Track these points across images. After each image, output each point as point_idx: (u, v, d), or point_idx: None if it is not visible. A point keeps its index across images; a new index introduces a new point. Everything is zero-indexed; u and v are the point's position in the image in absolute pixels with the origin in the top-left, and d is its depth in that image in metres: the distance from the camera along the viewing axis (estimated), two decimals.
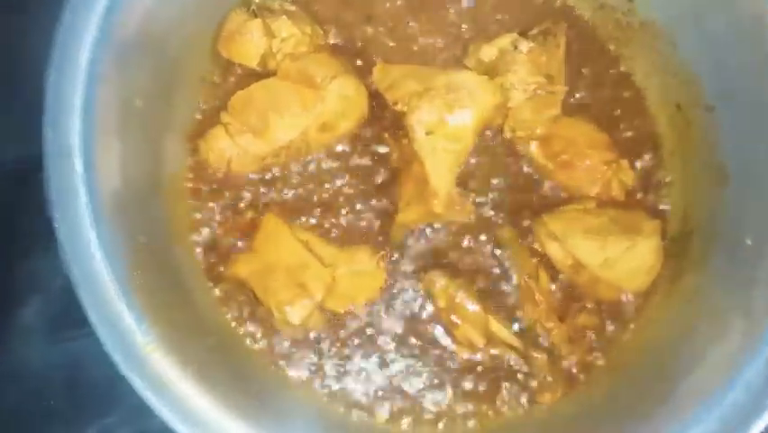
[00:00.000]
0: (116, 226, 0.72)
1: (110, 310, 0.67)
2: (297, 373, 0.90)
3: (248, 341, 0.89)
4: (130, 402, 0.82)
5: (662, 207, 0.97)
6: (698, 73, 0.92)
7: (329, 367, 0.91)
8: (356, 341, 0.92)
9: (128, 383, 0.69)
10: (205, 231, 0.93)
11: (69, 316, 1.00)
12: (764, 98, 0.83)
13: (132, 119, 0.80)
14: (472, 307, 0.90)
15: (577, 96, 0.99)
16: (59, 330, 1.07)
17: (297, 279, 0.88)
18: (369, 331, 0.92)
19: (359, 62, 0.99)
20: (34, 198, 1.04)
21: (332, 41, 0.99)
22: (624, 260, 0.90)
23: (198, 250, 0.92)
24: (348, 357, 0.91)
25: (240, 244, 0.93)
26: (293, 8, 0.95)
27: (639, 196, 0.97)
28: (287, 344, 0.90)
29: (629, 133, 0.99)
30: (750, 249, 0.79)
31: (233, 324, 0.89)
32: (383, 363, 0.92)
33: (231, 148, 0.92)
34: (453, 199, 0.91)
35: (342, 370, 0.91)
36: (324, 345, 0.91)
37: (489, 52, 0.95)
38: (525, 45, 0.93)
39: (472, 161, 0.96)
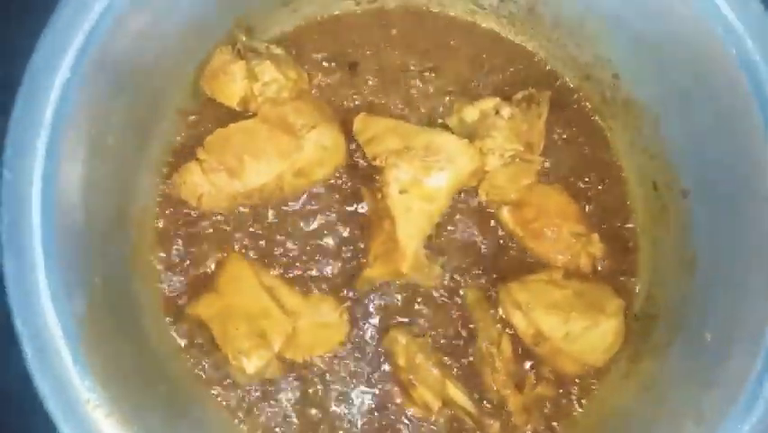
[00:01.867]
0: (70, 271, 0.70)
1: (55, 365, 0.65)
2: (248, 422, 0.89)
3: (202, 387, 0.88)
4: None
5: (628, 284, 0.97)
6: (677, 157, 0.92)
7: (282, 419, 0.90)
8: (313, 393, 0.91)
9: None
10: (169, 268, 0.91)
11: None
12: (739, 192, 0.83)
13: (102, 156, 0.79)
14: (431, 369, 0.90)
15: (554, 162, 0.99)
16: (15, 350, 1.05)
17: (257, 327, 0.87)
18: (327, 383, 0.91)
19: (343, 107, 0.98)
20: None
21: (316, 86, 0.98)
22: (585, 336, 0.90)
23: (160, 287, 0.90)
24: (303, 410, 0.90)
25: (203, 283, 0.92)
26: (279, 51, 0.94)
27: (606, 271, 0.97)
28: (240, 393, 0.89)
29: (603, 206, 0.99)
30: (710, 347, 0.79)
31: (189, 368, 0.88)
32: (338, 417, 0.91)
33: (204, 184, 0.91)
34: (421, 261, 0.91)
35: (295, 421, 0.90)
36: (279, 397, 0.90)
37: (471, 113, 0.95)
38: (507, 111, 0.94)
39: (444, 221, 0.95)
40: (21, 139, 0.67)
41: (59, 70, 0.69)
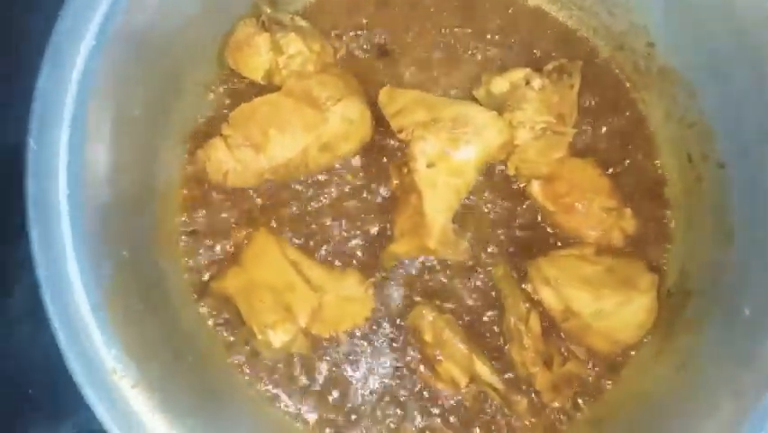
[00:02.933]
0: (98, 243, 0.70)
1: (82, 336, 0.66)
2: (272, 395, 0.88)
3: (229, 361, 0.88)
4: None
5: (661, 259, 0.95)
6: (714, 127, 0.89)
7: (310, 394, 0.90)
8: (339, 367, 0.91)
9: None
10: (195, 243, 0.91)
11: None
12: None
13: (128, 129, 0.79)
14: (458, 344, 0.89)
15: (586, 135, 0.97)
16: (44, 319, 1.06)
17: (283, 301, 0.87)
18: (353, 358, 0.91)
19: (369, 80, 0.97)
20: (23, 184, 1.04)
21: (342, 59, 0.97)
22: (617, 313, 0.88)
23: (186, 262, 0.91)
24: (329, 384, 0.90)
25: (229, 258, 0.91)
26: (304, 23, 0.92)
27: (639, 245, 0.95)
28: (266, 366, 0.89)
29: (636, 180, 0.97)
30: (748, 321, 0.77)
31: (215, 341, 0.88)
32: (364, 392, 0.91)
33: (229, 161, 0.91)
34: (448, 237, 0.89)
35: (322, 396, 0.90)
36: (306, 371, 0.89)
37: (500, 85, 0.93)
38: (537, 82, 0.91)
39: (472, 197, 0.93)
40: (46, 109, 0.67)
41: (83, 39, 0.69)
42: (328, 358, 0.91)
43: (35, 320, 1.07)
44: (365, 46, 0.97)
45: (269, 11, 0.90)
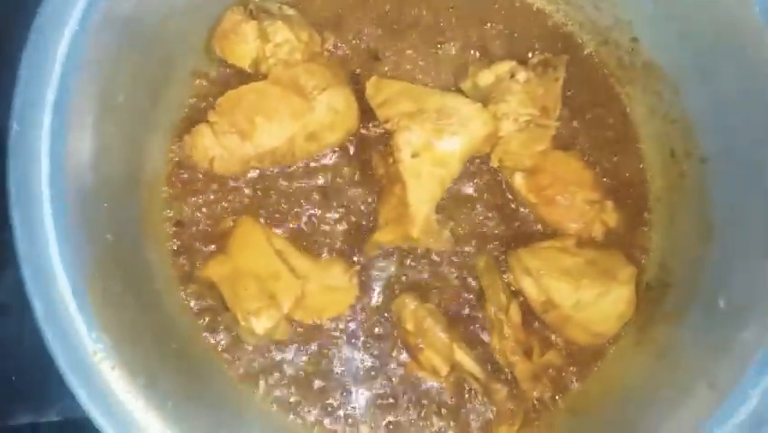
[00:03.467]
0: (80, 227, 0.71)
1: (62, 317, 0.66)
2: (256, 383, 0.89)
3: (211, 347, 0.88)
4: None
5: (641, 252, 0.96)
6: (697, 122, 0.90)
7: (292, 379, 0.90)
8: (321, 355, 0.91)
9: None
10: (180, 230, 0.92)
11: None
12: (760, 157, 0.81)
13: (113, 114, 0.79)
14: (439, 333, 0.90)
15: (570, 127, 0.98)
16: (28, 307, 1.06)
17: (267, 289, 0.87)
18: (335, 345, 0.92)
19: (357, 71, 0.97)
20: None
21: (329, 49, 0.97)
22: (596, 304, 0.89)
23: (171, 249, 0.91)
24: (310, 372, 0.91)
25: (214, 246, 0.92)
26: (291, 12, 0.93)
27: (620, 238, 0.96)
28: (249, 352, 0.89)
29: (618, 174, 0.98)
30: (724, 314, 0.78)
31: (198, 328, 0.88)
32: (344, 379, 0.91)
33: (215, 147, 0.91)
34: (431, 226, 0.90)
35: (303, 383, 0.91)
36: (288, 357, 0.90)
37: (486, 78, 0.94)
38: (522, 75, 0.92)
39: (456, 187, 0.94)
40: (30, 91, 0.67)
41: (67, 24, 0.69)
42: (311, 345, 0.91)
43: (19, 308, 1.08)
44: (354, 40, 0.98)
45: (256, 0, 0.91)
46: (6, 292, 1.08)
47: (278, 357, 0.91)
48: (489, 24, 0.99)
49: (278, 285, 0.88)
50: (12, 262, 1.04)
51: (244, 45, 0.90)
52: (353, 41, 0.98)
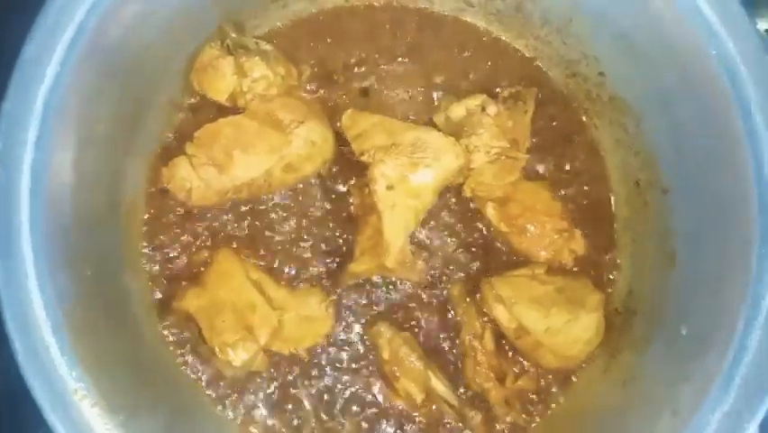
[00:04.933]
0: (60, 263, 0.71)
1: (42, 355, 0.67)
2: (235, 414, 0.90)
3: (189, 377, 0.89)
4: None
5: (608, 279, 0.99)
6: (659, 155, 0.94)
7: (270, 410, 0.91)
8: (298, 384, 0.93)
9: None
10: (158, 261, 0.93)
11: None
12: (718, 189, 0.84)
13: (93, 145, 0.80)
14: (415, 361, 0.92)
15: (539, 158, 1.01)
16: (4, 337, 1.05)
17: (244, 320, 0.89)
18: (313, 375, 0.93)
19: (330, 104, 1.00)
20: None
21: (306, 82, 0.99)
22: (566, 330, 0.91)
23: (148, 280, 0.92)
24: (288, 401, 0.92)
25: (191, 277, 0.93)
26: (268, 48, 0.95)
27: (588, 266, 0.99)
28: (226, 384, 0.90)
29: (586, 203, 1.01)
30: (686, 341, 0.81)
31: (177, 360, 0.89)
32: (322, 408, 0.93)
33: (193, 179, 0.93)
34: (406, 257, 0.92)
35: (282, 413, 0.92)
36: (265, 389, 0.91)
37: (457, 111, 0.97)
38: (492, 108, 0.95)
39: (429, 217, 0.97)
40: (11, 130, 0.68)
41: (50, 62, 0.70)
42: (289, 375, 0.92)
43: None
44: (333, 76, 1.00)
45: (233, 35, 0.93)
46: None
47: (257, 388, 0.92)
48: (459, 59, 1.02)
49: (255, 316, 0.89)
50: None
51: (222, 80, 0.92)
52: (331, 76, 1.00)
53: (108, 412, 0.68)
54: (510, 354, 0.96)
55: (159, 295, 0.92)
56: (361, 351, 0.94)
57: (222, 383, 0.91)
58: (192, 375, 0.91)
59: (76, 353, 0.68)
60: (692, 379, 0.76)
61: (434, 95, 1.01)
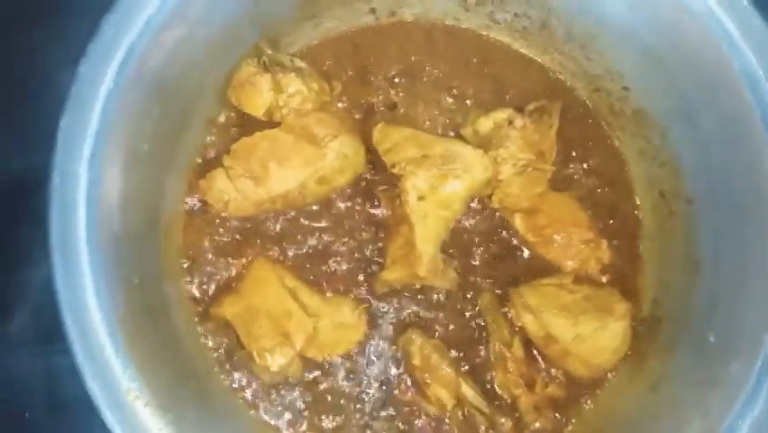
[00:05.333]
0: (113, 271, 0.75)
1: (98, 355, 0.70)
2: (271, 419, 0.93)
3: (227, 383, 0.92)
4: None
5: (634, 288, 1.01)
6: (684, 166, 0.96)
7: (305, 415, 0.94)
8: (332, 390, 0.95)
9: None
10: (196, 269, 0.96)
11: (55, 330, 1.05)
12: (742, 199, 0.87)
13: (138, 162, 0.84)
14: (446, 368, 0.94)
15: (565, 170, 1.03)
16: (43, 343, 1.09)
17: (281, 327, 0.91)
18: (345, 381, 0.96)
19: (359, 117, 1.03)
20: (25, 212, 1.08)
21: (337, 97, 1.02)
22: (593, 338, 0.94)
23: (187, 288, 0.95)
24: (321, 406, 0.94)
25: (228, 285, 0.96)
26: (303, 65, 0.98)
27: (614, 275, 1.01)
28: (265, 388, 0.93)
29: (612, 213, 1.03)
30: (713, 347, 0.83)
31: (215, 366, 0.92)
32: (355, 414, 0.95)
33: (230, 191, 0.96)
34: (437, 265, 0.94)
35: (316, 418, 0.94)
36: (301, 393, 0.94)
37: (485, 125, 0.99)
38: (519, 121, 0.98)
39: (459, 227, 0.99)
40: (69, 146, 0.72)
41: (103, 81, 0.74)
42: (323, 381, 0.95)
43: (33, 344, 1.11)
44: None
45: (269, 52, 0.96)
46: (19, 330, 1.11)
47: (292, 393, 0.94)
48: (486, 74, 1.05)
49: (291, 323, 0.92)
50: (23, 301, 1.10)
51: (259, 96, 0.95)
52: (362, 91, 1.04)
53: (159, 412, 0.71)
54: (539, 361, 0.97)
55: (198, 302, 0.95)
56: (393, 357, 0.96)
57: (258, 388, 0.94)
58: (229, 379, 0.94)
59: (128, 355, 0.71)
60: (721, 384, 0.78)
61: (462, 108, 1.04)
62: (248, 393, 0.93)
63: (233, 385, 0.93)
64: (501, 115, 0.99)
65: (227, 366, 0.94)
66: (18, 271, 1.09)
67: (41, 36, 1.10)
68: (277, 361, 0.89)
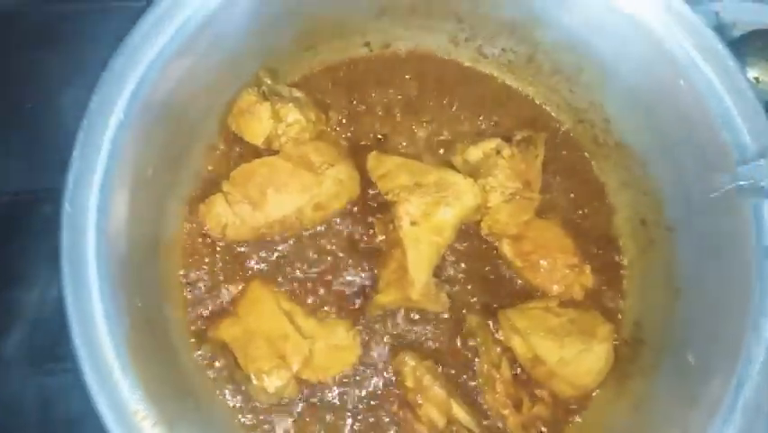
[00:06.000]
0: (118, 293, 0.77)
1: (107, 379, 0.72)
2: None
3: (224, 404, 0.94)
4: None
5: (617, 312, 1.05)
6: (664, 196, 1.01)
7: None
8: (327, 411, 0.97)
9: (100, 422, 0.73)
10: (194, 292, 0.98)
11: (49, 349, 1.07)
12: (717, 229, 0.92)
13: (143, 187, 0.86)
14: (437, 389, 0.97)
15: (550, 198, 1.08)
16: (37, 363, 1.10)
17: (277, 349, 0.94)
18: (338, 401, 0.98)
19: (352, 145, 1.07)
20: (19, 233, 1.10)
21: (332, 126, 1.06)
22: (578, 359, 0.97)
23: (186, 310, 0.97)
24: (316, 427, 0.97)
25: (225, 307, 0.99)
26: (300, 95, 1.02)
27: (597, 299, 1.05)
28: (259, 410, 0.95)
29: (595, 240, 1.08)
30: (693, 368, 0.87)
31: (213, 387, 0.94)
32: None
33: (228, 215, 0.98)
34: (430, 289, 0.98)
35: None
36: (294, 415, 0.96)
37: (474, 154, 1.04)
38: (507, 151, 1.02)
39: (450, 253, 1.03)
40: (80, 176, 0.74)
41: (112, 112, 0.77)
42: (318, 402, 0.97)
43: (27, 364, 1.12)
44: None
45: (269, 82, 1.00)
46: (13, 350, 1.12)
47: (285, 413, 0.97)
48: (475, 104, 1.10)
49: (287, 345, 0.94)
50: (18, 320, 1.11)
51: (259, 124, 0.99)
52: (356, 120, 1.08)
53: (166, 431, 0.73)
54: (526, 382, 1.01)
55: (195, 324, 0.97)
56: (386, 379, 0.99)
57: (254, 409, 0.96)
58: (226, 400, 0.96)
59: (136, 375, 0.74)
60: (700, 402, 0.82)
61: (451, 138, 1.08)
62: (244, 414, 0.95)
63: (230, 405, 0.95)
64: (490, 144, 1.03)
65: (223, 387, 0.96)
66: (10, 291, 1.11)
67: (44, 61, 1.12)
68: (273, 383, 0.92)
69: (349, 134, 1.07)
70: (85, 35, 1.10)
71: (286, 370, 0.93)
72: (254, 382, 0.92)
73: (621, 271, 1.07)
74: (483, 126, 1.10)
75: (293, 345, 0.95)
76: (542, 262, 1.03)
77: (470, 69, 1.12)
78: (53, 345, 1.06)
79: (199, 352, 0.96)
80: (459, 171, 1.02)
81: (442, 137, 1.09)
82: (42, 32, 1.14)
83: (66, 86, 0.96)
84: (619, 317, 1.05)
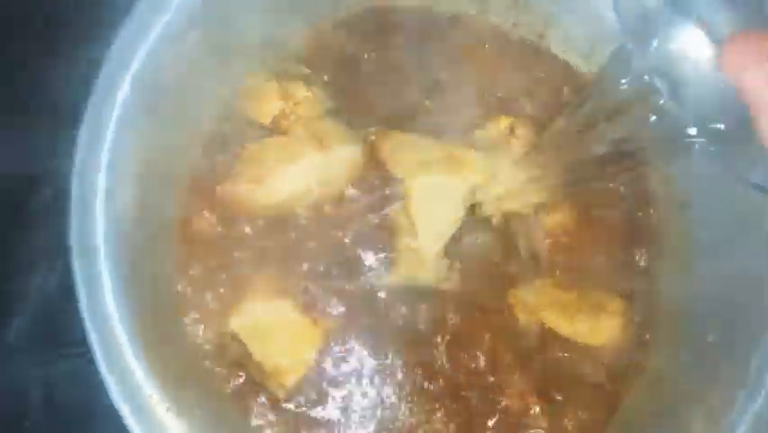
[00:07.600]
0: (129, 277, 0.75)
1: (118, 359, 0.71)
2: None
3: (238, 391, 0.93)
4: (105, 428, 0.84)
5: (631, 290, 1.03)
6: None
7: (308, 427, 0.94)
8: (345, 399, 0.95)
9: (105, 409, 0.73)
10: (204, 282, 0.95)
11: (52, 337, 1.05)
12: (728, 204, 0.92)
13: (147, 171, 0.84)
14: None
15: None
16: (40, 351, 1.08)
17: (292, 341, 0.93)
18: (357, 389, 0.95)
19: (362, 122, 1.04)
20: (24, 217, 1.08)
21: (338, 104, 1.04)
22: (590, 334, 0.97)
23: (194, 301, 0.94)
24: (335, 419, 0.94)
25: (234, 299, 0.96)
26: (308, 71, 1.00)
27: (611, 275, 1.04)
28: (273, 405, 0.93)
29: (607, 218, 1.06)
30: (712, 346, 0.87)
31: (223, 381, 0.92)
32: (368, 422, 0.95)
33: (236, 195, 0.96)
34: (441, 267, 0.97)
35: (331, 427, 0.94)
36: (306, 410, 0.94)
37: (488, 130, 1.02)
38: (521, 130, 1.01)
39: (458, 231, 1.01)
40: (87, 155, 0.72)
41: (120, 88, 0.75)
42: (331, 391, 0.95)
43: (32, 353, 1.10)
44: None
45: (277, 59, 0.98)
46: (17, 339, 1.10)
47: (303, 406, 0.94)
48: (493, 79, 1.08)
49: (302, 336, 0.93)
50: (22, 309, 1.09)
51: (266, 104, 0.97)
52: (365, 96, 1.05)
53: (179, 417, 0.72)
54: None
55: (206, 315, 0.94)
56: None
57: (270, 403, 0.93)
58: (236, 396, 0.93)
59: (149, 360, 0.72)
60: (722, 379, 0.82)
61: (464, 115, 1.06)
62: (260, 410, 0.93)
63: (245, 403, 0.93)
64: (503, 122, 1.02)
65: (234, 382, 0.93)
66: (14, 279, 1.09)
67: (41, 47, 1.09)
68: (290, 378, 0.90)
69: (357, 111, 1.04)
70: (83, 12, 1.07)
71: (300, 364, 0.92)
72: (270, 375, 0.90)
73: (634, 251, 1.05)
74: (498, 102, 1.07)
75: (307, 337, 0.93)
76: (553, 241, 1.02)
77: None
78: (58, 332, 1.04)
79: (211, 344, 0.93)
80: (471, 147, 1.00)
81: (452, 114, 1.06)
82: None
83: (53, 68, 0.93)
84: (633, 296, 1.03)
